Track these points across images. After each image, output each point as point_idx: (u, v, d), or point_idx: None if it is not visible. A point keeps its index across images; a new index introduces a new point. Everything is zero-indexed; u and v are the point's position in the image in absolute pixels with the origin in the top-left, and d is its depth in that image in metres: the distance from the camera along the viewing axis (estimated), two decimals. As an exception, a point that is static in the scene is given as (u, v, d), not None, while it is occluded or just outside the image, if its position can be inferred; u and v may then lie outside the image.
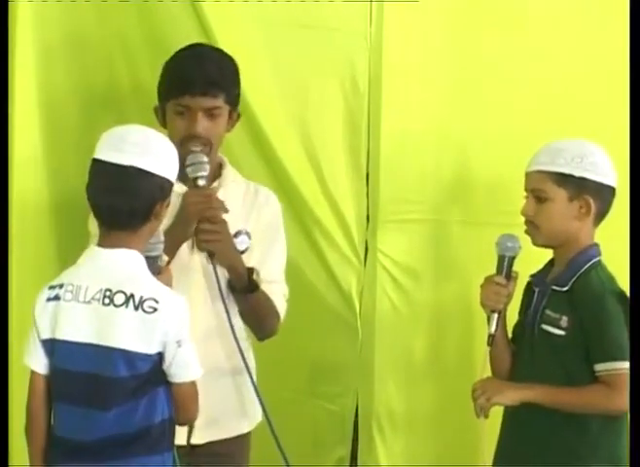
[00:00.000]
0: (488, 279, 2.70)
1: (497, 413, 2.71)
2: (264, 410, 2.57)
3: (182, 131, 2.55)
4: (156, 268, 2.33)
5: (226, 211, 2.55)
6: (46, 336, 2.27)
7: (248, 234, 2.64)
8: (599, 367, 2.54)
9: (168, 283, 2.32)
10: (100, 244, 2.27)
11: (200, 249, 2.56)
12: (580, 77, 3.13)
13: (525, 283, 2.76)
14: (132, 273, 2.23)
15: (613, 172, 2.63)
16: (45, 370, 2.29)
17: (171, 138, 2.47)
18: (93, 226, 2.40)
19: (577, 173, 2.58)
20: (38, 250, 2.82)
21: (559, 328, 2.58)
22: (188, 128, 2.55)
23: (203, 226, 2.53)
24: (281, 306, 2.70)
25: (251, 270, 2.59)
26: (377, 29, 2.99)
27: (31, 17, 2.77)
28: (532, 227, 2.65)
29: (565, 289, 2.60)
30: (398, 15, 2.99)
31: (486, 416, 2.63)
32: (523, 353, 2.70)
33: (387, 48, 3.00)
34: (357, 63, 3.00)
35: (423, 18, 3.03)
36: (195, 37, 2.82)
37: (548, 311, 2.62)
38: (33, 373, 2.31)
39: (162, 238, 2.36)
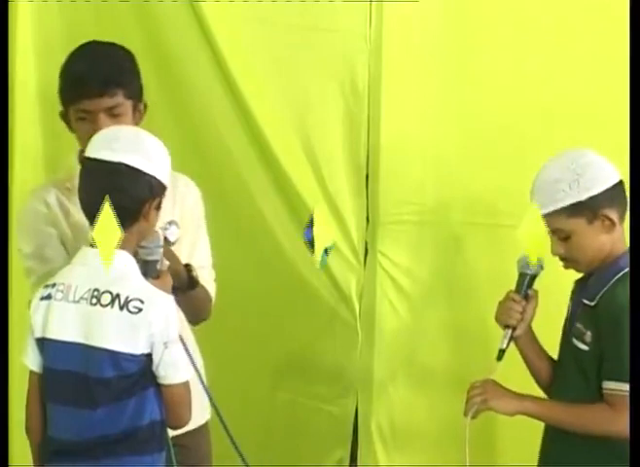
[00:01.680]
0: (507, 294, 2.63)
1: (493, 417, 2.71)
2: (213, 404, 2.49)
3: (87, 135, 2.45)
4: (154, 272, 2.33)
5: None
6: (38, 334, 2.28)
7: (177, 224, 2.56)
8: (607, 384, 2.43)
9: (165, 288, 2.31)
10: (91, 244, 2.26)
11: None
12: (581, 78, 3.08)
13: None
14: (120, 274, 2.22)
15: (612, 168, 2.53)
16: (40, 368, 2.30)
17: (79, 143, 2.44)
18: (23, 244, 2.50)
19: (583, 197, 2.49)
20: (38, 250, 2.83)
21: (584, 343, 2.50)
22: (92, 132, 2.44)
23: None
24: (212, 291, 2.67)
25: (189, 268, 2.56)
26: (377, 30, 2.98)
27: (31, 18, 2.80)
28: (569, 262, 2.56)
29: (593, 304, 2.50)
30: (398, 15, 2.98)
31: (474, 417, 2.56)
32: (558, 367, 2.62)
33: (387, 49, 2.98)
34: (357, 64, 2.99)
35: (423, 19, 3.01)
36: (194, 37, 2.83)
37: (578, 325, 2.54)
38: (30, 371, 2.32)
39: (162, 243, 2.35)
